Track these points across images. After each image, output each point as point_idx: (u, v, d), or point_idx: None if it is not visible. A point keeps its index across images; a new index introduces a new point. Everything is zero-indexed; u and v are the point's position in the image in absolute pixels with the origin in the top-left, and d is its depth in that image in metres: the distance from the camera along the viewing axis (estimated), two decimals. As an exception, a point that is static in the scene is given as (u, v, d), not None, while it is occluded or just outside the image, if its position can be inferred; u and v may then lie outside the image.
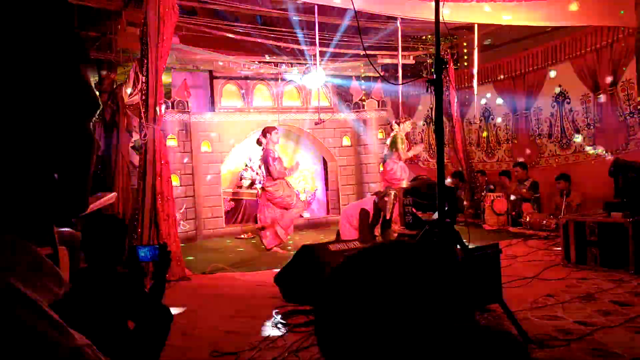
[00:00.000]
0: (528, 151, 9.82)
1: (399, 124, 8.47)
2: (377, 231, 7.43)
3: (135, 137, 8.53)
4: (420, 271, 0.64)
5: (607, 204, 5.76)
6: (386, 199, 7.32)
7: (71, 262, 4.60)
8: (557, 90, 9.19)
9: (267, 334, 3.96)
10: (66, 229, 4.88)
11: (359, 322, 0.61)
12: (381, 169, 8.55)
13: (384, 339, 0.62)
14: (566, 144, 9.09)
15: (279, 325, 4.17)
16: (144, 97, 6.14)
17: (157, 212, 5.99)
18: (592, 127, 8.57)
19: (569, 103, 9.00)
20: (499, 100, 10.41)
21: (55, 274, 0.65)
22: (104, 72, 8.86)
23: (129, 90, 7.99)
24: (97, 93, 8.64)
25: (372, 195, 7.98)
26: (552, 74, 9.24)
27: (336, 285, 0.66)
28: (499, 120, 10.50)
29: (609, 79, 8.19)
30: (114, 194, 5.91)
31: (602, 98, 8.34)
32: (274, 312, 4.47)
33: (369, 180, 10.76)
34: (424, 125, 12.19)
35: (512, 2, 6.74)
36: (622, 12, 7.21)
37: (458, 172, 10.52)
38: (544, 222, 8.21)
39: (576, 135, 8.88)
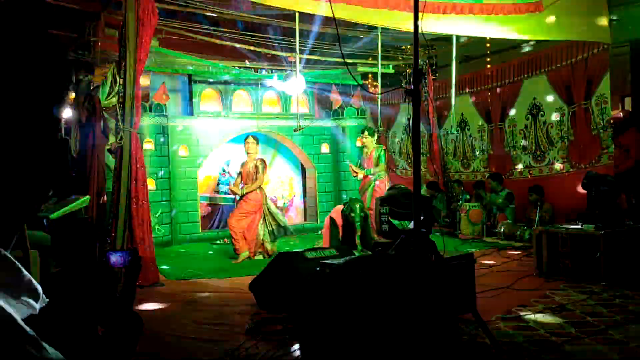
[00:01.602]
0: (502, 162, 9.95)
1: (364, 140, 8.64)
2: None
3: (112, 139, 8.43)
4: (403, 283, 0.64)
5: (579, 216, 5.86)
6: (352, 215, 7.38)
7: (42, 265, 4.52)
8: (532, 102, 9.33)
9: (241, 342, 3.92)
10: (38, 232, 4.80)
11: (343, 329, 0.61)
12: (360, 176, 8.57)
13: (365, 346, 0.62)
14: (540, 156, 9.23)
15: (254, 333, 4.14)
16: (121, 100, 6.07)
17: (131, 217, 5.92)
18: (565, 140, 8.72)
19: (543, 116, 9.15)
20: (475, 111, 10.53)
21: (34, 289, 0.64)
22: (81, 74, 8.75)
23: (106, 92, 7.91)
24: (73, 94, 8.53)
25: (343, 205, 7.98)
26: (528, 86, 9.39)
27: (321, 294, 0.66)
28: (475, 131, 10.62)
29: (583, 93, 8.35)
30: (87, 197, 5.84)
31: (576, 111, 8.49)
32: (248, 319, 4.44)
33: (346, 188, 10.78)
34: (403, 134, 12.28)
35: (490, 14, 6.84)
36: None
37: (434, 182, 10.61)
38: (518, 232, 8.32)
39: (550, 148, 9.02)
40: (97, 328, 2.45)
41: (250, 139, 7.95)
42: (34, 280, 0.66)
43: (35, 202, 0.69)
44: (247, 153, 7.94)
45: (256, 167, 7.79)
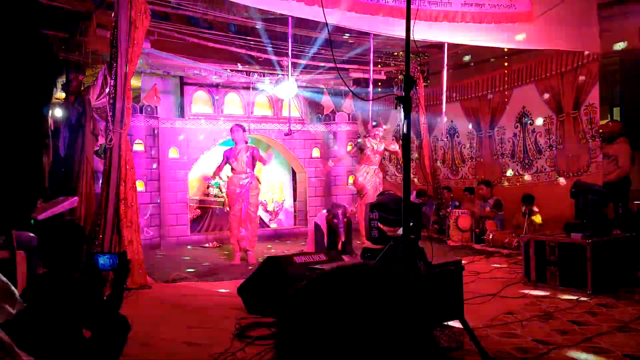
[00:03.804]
0: (491, 170, 9.99)
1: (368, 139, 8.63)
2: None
3: (101, 140, 8.37)
4: (384, 294, 0.64)
5: (567, 225, 5.89)
6: (335, 220, 7.38)
7: (29, 266, 4.48)
8: (521, 111, 9.39)
9: (228, 346, 3.90)
10: (25, 233, 4.75)
11: (323, 343, 0.61)
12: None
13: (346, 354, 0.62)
14: (528, 165, 9.28)
15: (241, 337, 4.12)
16: (111, 101, 6.05)
17: (120, 219, 5.89)
18: (554, 148, 8.78)
19: (532, 124, 9.21)
20: (465, 119, 10.57)
21: (10, 294, 0.63)
22: (72, 74, 8.70)
23: (97, 93, 7.86)
24: (64, 94, 8.47)
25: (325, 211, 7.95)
26: (517, 95, 9.44)
27: (301, 306, 0.66)
28: (464, 138, 10.67)
29: (572, 103, 8.41)
30: (75, 199, 5.80)
31: (565, 121, 8.56)
32: (236, 323, 4.42)
33: (337, 193, 10.78)
34: (393, 140, 12.30)
35: (481, 23, 6.89)
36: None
37: (423, 189, 10.61)
38: (506, 240, 8.34)
39: (538, 156, 9.07)
40: (82, 330, 2.43)
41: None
42: (11, 286, 0.65)
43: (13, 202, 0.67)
44: (237, 141, 7.82)
45: (252, 155, 7.78)
